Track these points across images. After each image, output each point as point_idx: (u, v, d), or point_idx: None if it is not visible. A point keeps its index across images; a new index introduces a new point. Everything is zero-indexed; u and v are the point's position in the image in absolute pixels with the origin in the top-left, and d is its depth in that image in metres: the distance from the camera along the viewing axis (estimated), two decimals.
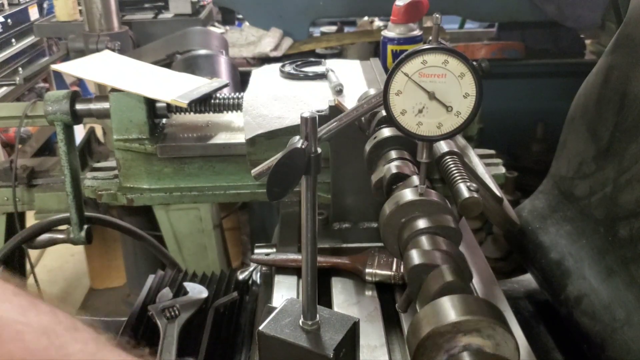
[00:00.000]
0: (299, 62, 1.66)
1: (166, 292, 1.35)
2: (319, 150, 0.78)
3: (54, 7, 3.04)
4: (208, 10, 3.13)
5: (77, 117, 1.52)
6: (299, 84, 1.55)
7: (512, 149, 3.08)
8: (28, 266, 2.61)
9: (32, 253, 2.76)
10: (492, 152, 1.60)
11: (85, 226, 1.63)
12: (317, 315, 0.84)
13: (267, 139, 1.38)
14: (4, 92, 2.75)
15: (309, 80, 1.57)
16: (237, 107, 1.56)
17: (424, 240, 0.87)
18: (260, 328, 0.84)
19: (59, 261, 3.81)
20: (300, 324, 0.83)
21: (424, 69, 0.82)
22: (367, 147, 1.13)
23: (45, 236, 1.67)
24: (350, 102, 1.32)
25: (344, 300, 1.15)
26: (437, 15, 0.83)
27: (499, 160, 1.56)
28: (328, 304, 1.15)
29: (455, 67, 0.81)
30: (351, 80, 1.49)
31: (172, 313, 1.28)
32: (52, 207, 2.35)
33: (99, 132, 2.83)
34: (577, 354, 1.17)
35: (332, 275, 1.22)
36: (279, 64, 1.66)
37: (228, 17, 3.58)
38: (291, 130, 1.35)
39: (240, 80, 2.36)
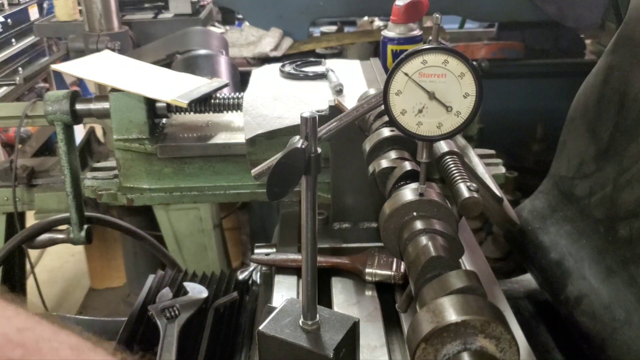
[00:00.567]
0: (299, 62, 1.66)
1: (166, 292, 1.35)
2: (319, 150, 0.78)
3: (54, 7, 3.04)
4: (208, 10, 3.13)
5: (77, 117, 1.52)
6: (299, 84, 1.55)
7: (512, 149, 3.08)
8: (28, 266, 2.61)
9: (32, 253, 2.76)
10: (492, 152, 1.60)
11: (85, 226, 1.63)
12: (317, 315, 0.84)
13: (267, 139, 1.38)
14: (4, 92, 2.75)
15: (309, 80, 1.57)
16: (237, 107, 1.56)
17: (424, 240, 0.87)
18: (260, 328, 0.84)
19: (59, 261, 3.81)
20: (300, 324, 0.84)
21: (424, 68, 0.82)
22: (367, 147, 1.13)
23: (45, 236, 1.67)
24: (350, 102, 1.32)
25: (344, 300, 1.15)
26: (437, 15, 0.83)
27: (499, 160, 1.56)
28: (328, 304, 1.15)
29: (455, 67, 0.81)
30: (351, 80, 1.49)
31: (172, 313, 1.28)
32: (52, 207, 2.35)
33: (99, 132, 2.83)
34: (577, 354, 1.17)
35: (332, 275, 1.22)
36: (279, 64, 1.66)
37: (228, 17, 3.58)
38: (291, 130, 1.35)
39: (240, 80, 2.36)
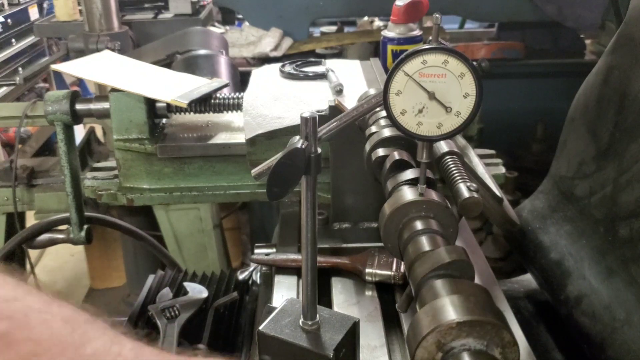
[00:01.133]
0: (299, 62, 1.66)
1: (166, 292, 1.35)
2: (319, 150, 0.78)
3: (54, 7, 3.04)
4: (208, 10, 3.13)
5: (77, 117, 1.52)
6: (299, 84, 1.55)
7: (512, 149, 3.08)
8: (28, 266, 2.61)
9: (32, 253, 2.76)
10: (492, 152, 1.60)
11: (85, 226, 1.63)
12: (317, 315, 0.84)
13: (267, 139, 1.38)
14: (4, 92, 2.75)
15: (309, 80, 1.57)
16: (237, 107, 1.56)
17: (424, 240, 0.87)
18: (260, 328, 0.84)
19: (59, 261, 3.81)
20: (300, 324, 0.83)
21: (424, 68, 0.82)
22: (367, 147, 1.13)
23: (45, 236, 1.67)
24: (350, 102, 1.32)
25: (344, 300, 1.15)
26: (437, 15, 0.83)
27: (499, 160, 1.56)
28: (328, 304, 1.15)
29: (455, 67, 0.81)
30: (351, 80, 1.49)
31: (172, 313, 1.28)
32: (52, 207, 2.35)
33: (99, 132, 2.83)
34: (577, 354, 1.17)
35: (332, 275, 1.22)
36: (279, 64, 1.66)
37: (228, 17, 3.58)
38: (291, 130, 1.35)
39: (240, 80, 2.36)
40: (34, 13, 3.54)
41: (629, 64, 1.14)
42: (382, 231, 0.93)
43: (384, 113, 1.13)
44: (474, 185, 0.92)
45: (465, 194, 0.91)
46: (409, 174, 0.99)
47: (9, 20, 3.25)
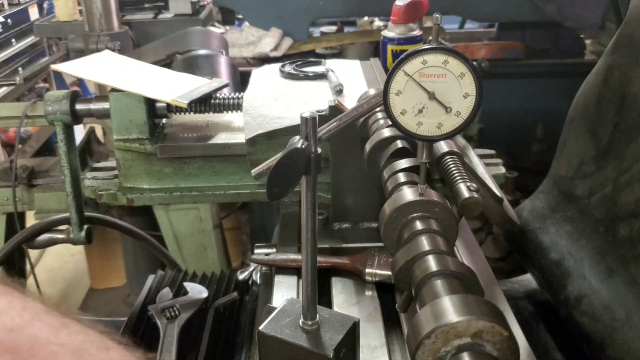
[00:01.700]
0: (299, 62, 1.66)
1: (166, 292, 1.35)
2: (319, 150, 0.78)
3: (54, 7, 3.04)
4: (208, 10, 3.13)
5: (77, 117, 1.52)
6: (299, 84, 1.55)
7: (512, 149, 3.08)
8: (28, 266, 2.61)
9: (32, 253, 2.76)
10: (492, 152, 1.60)
11: (85, 226, 1.63)
12: (317, 315, 0.84)
13: (267, 139, 1.38)
14: (4, 92, 2.75)
15: (309, 80, 1.57)
16: (237, 107, 1.56)
17: (423, 240, 0.87)
18: (260, 328, 0.84)
19: (59, 261, 3.81)
20: (300, 324, 0.83)
21: (424, 69, 0.82)
22: (367, 147, 1.13)
23: (45, 236, 1.67)
24: (350, 102, 1.32)
25: (344, 300, 1.15)
26: (437, 15, 0.83)
27: (499, 160, 1.56)
28: (328, 304, 1.15)
29: (455, 67, 0.81)
30: (351, 80, 1.49)
31: (172, 313, 1.28)
32: (52, 207, 2.35)
33: (99, 132, 2.83)
34: (577, 354, 1.17)
35: (332, 275, 1.22)
36: (279, 64, 1.66)
37: (228, 17, 3.59)
38: (291, 130, 1.35)
39: (240, 80, 2.36)
40: (34, 13, 3.54)
41: (629, 64, 1.14)
42: (382, 231, 0.93)
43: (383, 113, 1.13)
44: (474, 185, 0.92)
45: (465, 194, 0.91)
46: (404, 163, 0.99)
47: (9, 20, 3.25)
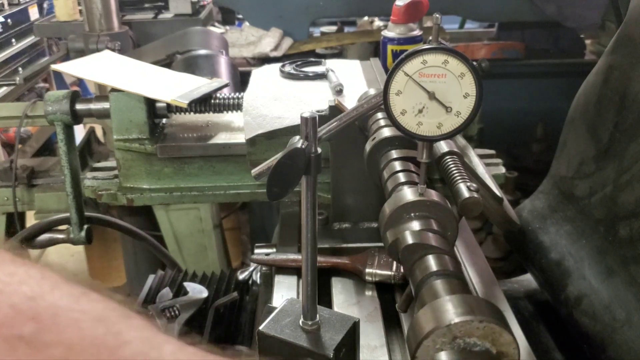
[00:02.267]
0: (299, 62, 1.66)
1: (166, 292, 1.35)
2: (319, 150, 0.78)
3: (54, 7, 3.04)
4: (208, 10, 3.13)
5: (77, 117, 1.52)
6: (299, 84, 1.55)
7: (512, 149, 3.08)
8: None
9: (32, 253, 2.76)
10: (492, 152, 1.60)
11: (85, 226, 1.63)
12: (317, 315, 0.84)
13: (267, 139, 1.38)
14: (4, 92, 2.75)
15: (309, 80, 1.57)
16: (237, 107, 1.56)
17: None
18: (260, 328, 0.84)
19: (59, 261, 3.81)
20: (300, 324, 0.83)
21: (424, 69, 0.82)
22: (367, 148, 1.13)
23: (45, 236, 1.67)
24: (350, 102, 1.32)
25: (344, 300, 1.15)
26: (437, 15, 0.83)
27: (499, 160, 1.56)
28: (328, 304, 1.15)
29: (455, 67, 0.81)
30: (351, 80, 1.49)
31: (172, 313, 1.28)
32: (52, 207, 2.35)
33: (99, 132, 2.83)
34: (577, 354, 1.17)
35: (332, 275, 1.22)
36: (279, 64, 1.66)
37: (228, 17, 3.58)
38: (291, 130, 1.35)
39: (240, 80, 2.36)
40: (34, 13, 3.54)
41: (629, 64, 1.14)
42: (382, 231, 0.93)
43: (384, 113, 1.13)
44: (474, 185, 0.92)
45: (465, 194, 0.91)
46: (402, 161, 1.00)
47: (9, 20, 3.25)
